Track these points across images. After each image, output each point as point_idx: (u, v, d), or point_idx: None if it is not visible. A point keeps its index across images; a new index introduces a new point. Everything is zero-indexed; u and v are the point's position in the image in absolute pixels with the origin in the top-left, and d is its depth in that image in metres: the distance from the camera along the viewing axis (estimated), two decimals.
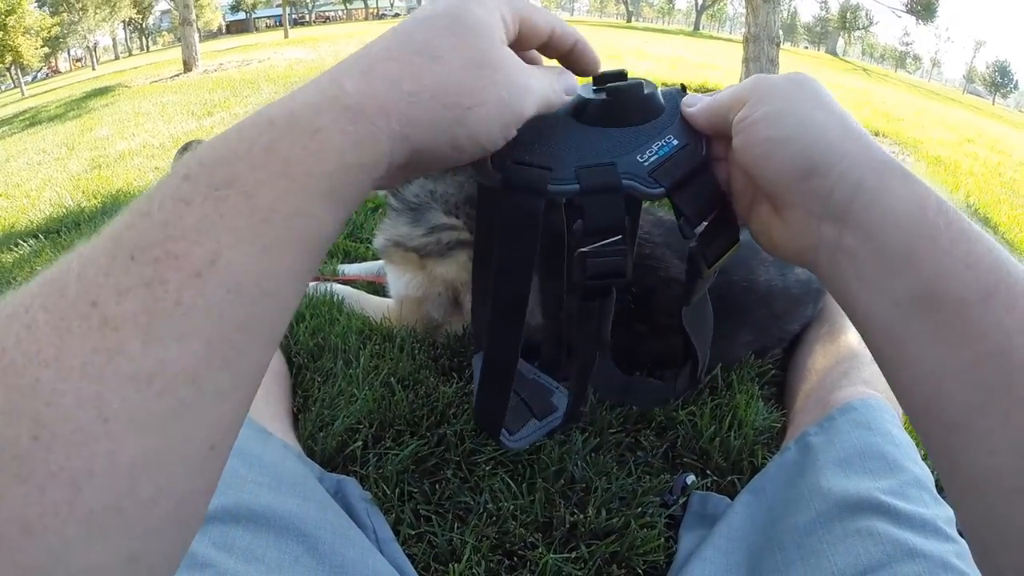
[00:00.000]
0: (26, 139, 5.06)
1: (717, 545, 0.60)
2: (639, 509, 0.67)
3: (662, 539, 0.64)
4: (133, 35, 44.64)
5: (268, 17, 50.12)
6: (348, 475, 0.69)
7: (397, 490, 0.68)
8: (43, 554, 0.18)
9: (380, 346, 0.90)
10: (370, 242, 1.20)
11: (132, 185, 2.37)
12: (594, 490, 0.68)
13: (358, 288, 1.12)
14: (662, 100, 0.42)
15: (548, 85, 0.35)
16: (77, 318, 0.20)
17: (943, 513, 0.54)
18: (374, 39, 0.31)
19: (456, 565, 0.60)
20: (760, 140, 0.35)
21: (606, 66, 0.43)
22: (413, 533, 0.64)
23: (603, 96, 0.41)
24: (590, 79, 0.43)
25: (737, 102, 0.37)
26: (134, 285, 0.21)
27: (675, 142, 0.40)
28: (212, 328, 0.22)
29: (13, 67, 16.18)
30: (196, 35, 7.95)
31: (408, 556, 0.61)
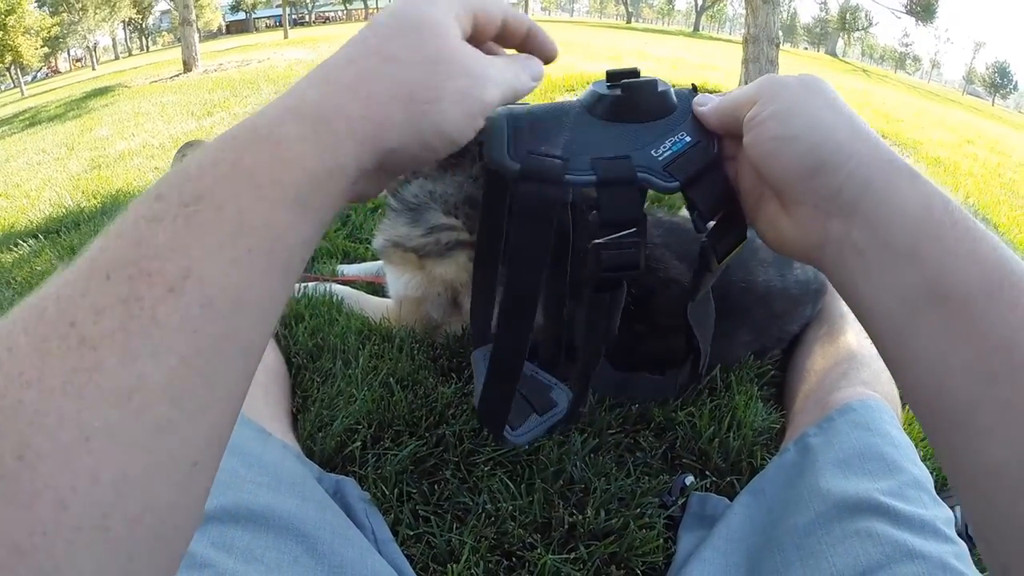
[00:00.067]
0: (26, 139, 5.06)
1: (716, 546, 0.60)
2: (638, 510, 0.67)
3: (661, 540, 0.64)
4: (133, 35, 44.63)
5: (268, 17, 50.13)
6: (347, 475, 0.69)
7: (396, 490, 0.68)
8: (35, 575, 0.19)
9: (379, 346, 0.90)
10: (369, 242, 1.20)
11: (132, 185, 2.36)
12: (593, 491, 0.68)
13: (357, 288, 1.12)
14: (675, 99, 0.43)
15: (511, 72, 0.36)
16: (56, 339, 0.21)
17: (942, 514, 0.54)
18: (335, 50, 0.32)
19: (455, 566, 0.60)
20: (770, 137, 0.36)
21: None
22: (412, 533, 0.64)
23: (617, 91, 0.42)
24: (604, 76, 0.43)
25: (748, 101, 0.38)
26: (110, 304, 0.21)
27: (688, 139, 0.41)
28: (187, 343, 0.22)
29: (13, 67, 16.18)
30: (196, 35, 7.95)
31: (407, 556, 0.61)
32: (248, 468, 0.55)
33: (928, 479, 0.58)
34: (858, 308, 0.34)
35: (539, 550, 0.62)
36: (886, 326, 0.32)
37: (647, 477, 0.72)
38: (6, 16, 14.59)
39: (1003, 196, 2.89)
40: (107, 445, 0.20)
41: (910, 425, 0.83)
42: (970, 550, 0.52)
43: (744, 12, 3.91)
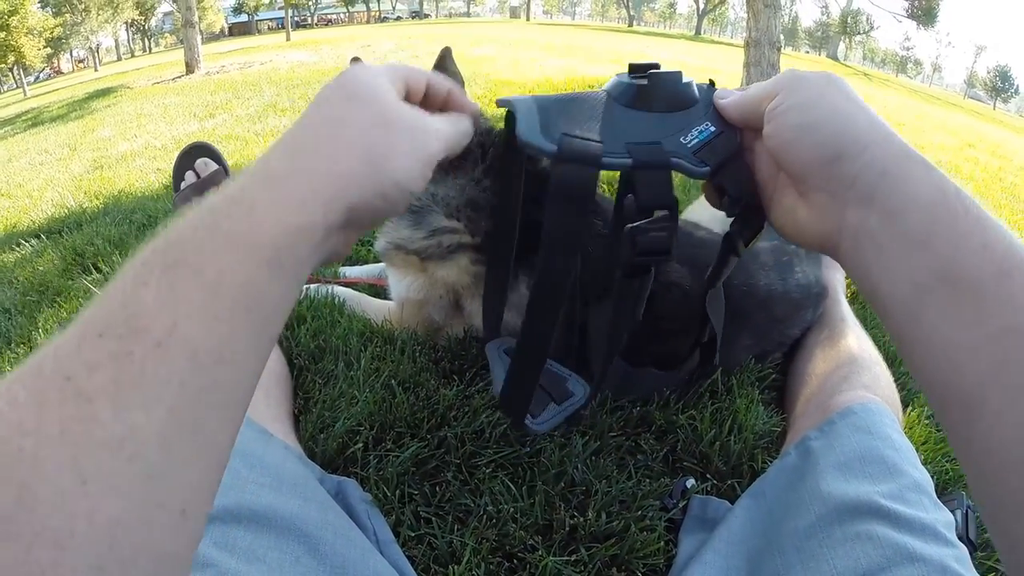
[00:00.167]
0: (28, 139, 5.06)
1: (717, 549, 0.60)
2: (639, 512, 0.67)
3: (662, 542, 0.64)
4: (135, 36, 44.71)
5: (270, 19, 50.22)
6: (348, 477, 0.69)
7: (397, 492, 0.68)
8: None
9: (381, 348, 0.90)
10: (371, 245, 1.21)
11: (134, 186, 2.37)
12: (594, 493, 0.68)
13: (359, 290, 1.12)
14: (696, 91, 0.44)
15: (449, 125, 0.40)
16: (54, 391, 0.22)
17: (943, 517, 0.54)
18: (292, 124, 0.34)
19: (456, 567, 0.60)
20: (790, 126, 0.38)
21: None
22: (413, 535, 0.65)
23: (644, 81, 0.43)
24: (627, 69, 0.45)
25: (768, 95, 0.40)
26: (103, 359, 0.23)
27: (712, 128, 0.42)
28: (174, 395, 0.24)
29: (16, 67, 16.23)
30: (198, 37, 7.98)
31: (408, 558, 0.61)
32: (250, 469, 0.55)
33: (929, 483, 0.58)
34: (872, 293, 0.35)
35: (540, 552, 0.62)
36: (899, 310, 0.33)
37: (648, 480, 0.72)
38: (9, 16, 14.64)
39: (1004, 200, 2.89)
40: (102, 489, 0.21)
41: (911, 429, 0.83)
42: (971, 553, 0.52)
43: (746, 16, 3.92)
